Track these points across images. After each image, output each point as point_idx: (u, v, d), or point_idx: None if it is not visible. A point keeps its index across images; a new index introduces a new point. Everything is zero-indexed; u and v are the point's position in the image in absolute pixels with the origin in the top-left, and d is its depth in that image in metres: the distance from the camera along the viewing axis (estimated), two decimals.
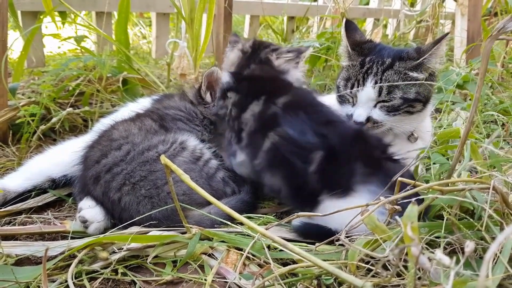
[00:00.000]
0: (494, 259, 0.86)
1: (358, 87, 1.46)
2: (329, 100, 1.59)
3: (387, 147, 1.26)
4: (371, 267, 0.96)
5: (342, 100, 1.53)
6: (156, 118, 1.43)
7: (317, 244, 1.09)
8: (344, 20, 1.56)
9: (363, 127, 1.44)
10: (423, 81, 1.42)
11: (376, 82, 1.43)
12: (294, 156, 1.21)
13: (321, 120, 1.27)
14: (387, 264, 0.92)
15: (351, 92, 1.47)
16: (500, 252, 0.85)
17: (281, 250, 1.07)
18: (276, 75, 1.44)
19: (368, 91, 1.44)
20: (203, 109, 1.54)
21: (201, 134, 1.46)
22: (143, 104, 1.70)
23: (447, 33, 1.48)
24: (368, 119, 1.45)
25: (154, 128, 1.38)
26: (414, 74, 1.43)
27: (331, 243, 1.09)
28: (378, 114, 1.45)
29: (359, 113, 1.46)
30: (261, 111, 1.32)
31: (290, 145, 1.22)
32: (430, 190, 1.04)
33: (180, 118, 1.48)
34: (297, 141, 1.22)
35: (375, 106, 1.46)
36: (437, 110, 2.07)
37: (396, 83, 1.41)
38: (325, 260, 1.00)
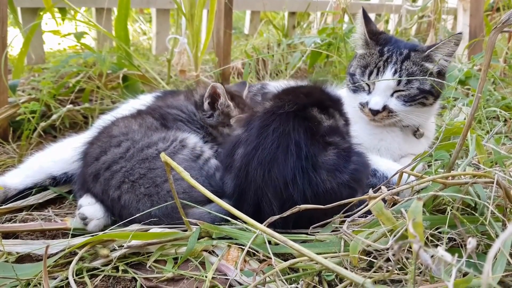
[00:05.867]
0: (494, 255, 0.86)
1: (377, 74, 1.46)
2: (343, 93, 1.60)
3: None
4: (373, 259, 0.96)
5: (356, 88, 1.53)
6: (157, 117, 1.42)
7: (317, 235, 1.10)
8: (362, 9, 1.56)
9: (377, 115, 1.45)
10: (431, 78, 1.44)
11: (396, 71, 1.44)
12: None
13: None
14: (390, 257, 0.92)
15: (369, 79, 1.48)
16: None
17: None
18: None
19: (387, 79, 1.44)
20: (201, 115, 1.51)
21: (203, 137, 1.44)
22: (145, 100, 1.69)
23: (460, 33, 1.49)
24: (384, 107, 1.45)
25: (155, 126, 1.37)
26: (427, 65, 1.45)
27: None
28: (394, 103, 1.46)
29: (376, 101, 1.45)
30: None
31: None
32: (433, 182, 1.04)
33: (181, 120, 1.46)
34: None
35: (391, 95, 1.46)
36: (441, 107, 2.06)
37: (410, 77, 1.45)
38: (325, 253, 1.01)
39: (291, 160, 1.13)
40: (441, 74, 1.51)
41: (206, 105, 1.49)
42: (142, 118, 1.40)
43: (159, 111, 1.47)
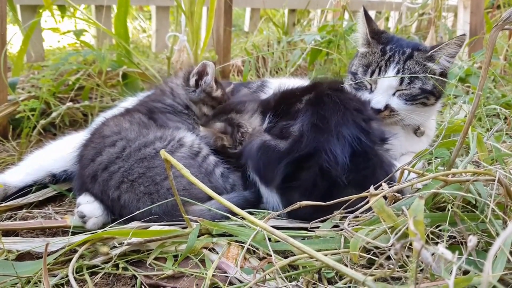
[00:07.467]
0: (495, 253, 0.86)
1: (379, 73, 1.46)
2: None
3: None
4: (373, 257, 0.96)
5: (358, 86, 1.52)
6: (145, 112, 1.43)
7: (317, 231, 1.10)
8: (362, 8, 1.55)
9: (378, 115, 1.45)
10: (435, 76, 1.43)
11: (398, 70, 1.44)
12: None
13: None
14: (391, 255, 0.92)
15: (371, 78, 1.47)
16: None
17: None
18: None
19: (390, 79, 1.44)
20: (183, 92, 1.51)
21: (193, 128, 1.45)
22: (139, 99, 1.69)
23: (463, 34, 1.49)
24: (386, 106, 1.45)
25: (143, 121, 1.38)
26: (430, 65, 1.45)
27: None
28: (396, 103, 1.46)
29: (378, 100, 1.45)
30: None
31: None
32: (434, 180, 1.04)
33: (169, 112, 1.47)
34: None
35: (393, 94, 1.46)
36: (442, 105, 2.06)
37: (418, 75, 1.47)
38: (325, 250, 1.01)
39: (358, 119, 1.24)
40: (443, 75, 1.51)
41: (192, 81, 1.51)
42: (131, 115, 1.41)
43: (145, 105, 1.49)
